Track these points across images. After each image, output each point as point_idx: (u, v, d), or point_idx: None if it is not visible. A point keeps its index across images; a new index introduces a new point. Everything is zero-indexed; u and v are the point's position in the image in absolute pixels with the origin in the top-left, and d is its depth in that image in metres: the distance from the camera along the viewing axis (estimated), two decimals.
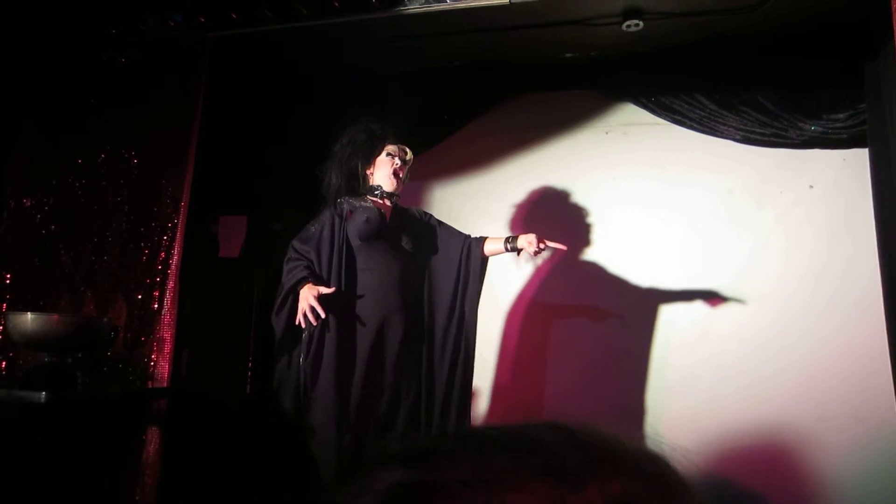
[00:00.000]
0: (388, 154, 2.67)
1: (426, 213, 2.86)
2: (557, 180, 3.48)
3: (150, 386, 2.75)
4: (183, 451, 2.82)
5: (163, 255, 2.89)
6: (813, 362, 3.03)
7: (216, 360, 3.31)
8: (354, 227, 2.57)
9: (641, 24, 2.86)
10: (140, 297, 2.88)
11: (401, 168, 2.67)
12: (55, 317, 2.49)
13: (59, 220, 3.03)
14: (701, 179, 3.31)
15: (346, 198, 2.64)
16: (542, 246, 2.58)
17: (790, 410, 3.01)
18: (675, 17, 2.85)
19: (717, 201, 3.28)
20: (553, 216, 3.45)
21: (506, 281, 3.43)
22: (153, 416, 2.74)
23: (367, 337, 2.50)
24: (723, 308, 3.17)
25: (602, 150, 3.47)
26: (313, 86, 3.51)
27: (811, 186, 3.19)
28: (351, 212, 2.61)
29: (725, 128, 3.22)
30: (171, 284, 2.84)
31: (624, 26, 2.88)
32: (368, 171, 2.67)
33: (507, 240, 2.68)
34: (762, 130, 3.16)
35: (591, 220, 3.43)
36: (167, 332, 2.82)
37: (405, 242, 2.64)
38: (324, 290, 2.42)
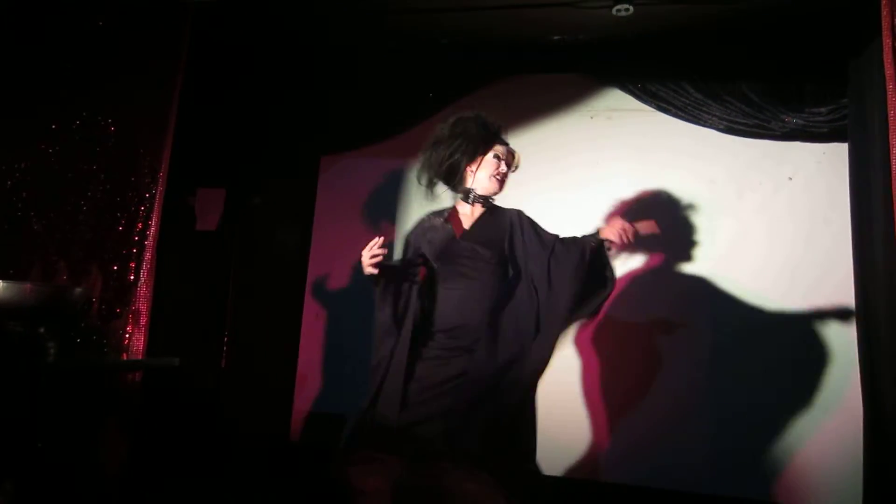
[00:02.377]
0: (496, 156, 2.39)
1: (520, 214, 2.46)
2: (541, 163, 3.46)
3: (124, 358, 2.71)
4: (158, 424, 2.80)
5: (140, 225, 2.83)
6: (786, 351, 3.10)
7: (192, 333, 3.28)
8: (425, 248, 2.42)
9: (632, 8, 2.85)
10: (116, 268, 2.82)
11: (505, 174, 2.42)
12: (27, 286, 2.41)
13: (31, 187, 2.94)
14: (683, 167, 3.33)
15: (429, 213, 2.48)
16: (629, 235, 2.26)
17: (762, 398, 3.08)
18: (666, 3, 2.84)
19: (699, 189, 3.31)
20: (537, 201, 3.44)
21: None
22: (127, 389, 2.70)
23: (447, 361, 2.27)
24: (700, 295, 3.22)
25: (586, 135, 3.48)
26: (296, 58, 3.44)
27: (790, 178, 3.24)
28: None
29: (709, 117, 3.24)
30: (147, 256, 2.79)
31: (614, 10, 2.87)
32: (470, 169, 2.39)
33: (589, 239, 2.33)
34: (745, 121, 3.19)
35: (576, 205, 3.44)
36: (143, 305, 2.77)
37: (485, 252, 2.34)
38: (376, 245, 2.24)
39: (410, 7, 3.02)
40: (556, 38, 3.21)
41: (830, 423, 3.00)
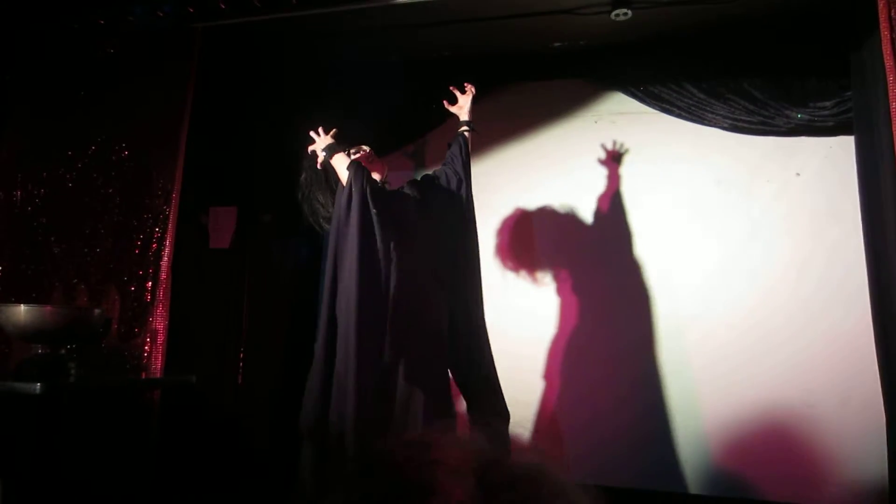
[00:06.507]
0: (348, 153, 2.59)
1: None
2: (547, 169, 3.49)
3: (143, 377, 2.77)
4: (176, 442, 2.84)
5: (155, 246, 2.90)
6: (800, 348, 3.07)
7: (208, 351, 3.32)
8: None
9: (630, 12, 2.87)
10: (133, 288, 2.89)
11: (367, 155, 2.59)
12: (48, 308, 2.49)
13: (49, 213, 3.03)
14: (689, 167, 3.33)
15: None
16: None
17: (777, 395, 3.06)
18: (664, 5, 2.86)
19: (706, 189, 3.31)
20: (545, 207, 3.47)
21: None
22: (147, 407, 2.75)
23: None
24: (711, 295, 3.21)
25: (591, 139, 3.49)
26: (303, 76, 3.50)
27: (798, 174, 3.22)
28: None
29: (713, 116, 3.24)
30: (163, 276, 2.85)
31: (612, 15, 2.90)
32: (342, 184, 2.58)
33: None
34: (749, 118, 3.19)
35: (584, 210, 3.46)
36: (160, 324, 2.83)
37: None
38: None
39: (412, 22, 3.07)
40: (556, 45, 3.24)
41: (850, 419, 2.96)
